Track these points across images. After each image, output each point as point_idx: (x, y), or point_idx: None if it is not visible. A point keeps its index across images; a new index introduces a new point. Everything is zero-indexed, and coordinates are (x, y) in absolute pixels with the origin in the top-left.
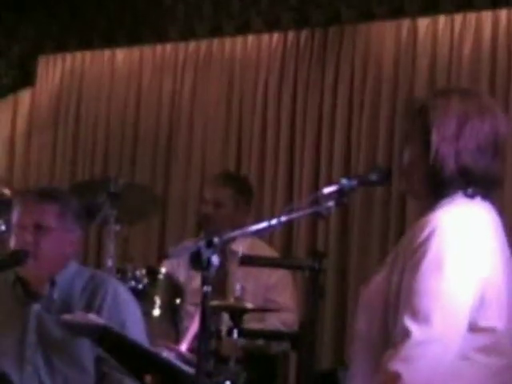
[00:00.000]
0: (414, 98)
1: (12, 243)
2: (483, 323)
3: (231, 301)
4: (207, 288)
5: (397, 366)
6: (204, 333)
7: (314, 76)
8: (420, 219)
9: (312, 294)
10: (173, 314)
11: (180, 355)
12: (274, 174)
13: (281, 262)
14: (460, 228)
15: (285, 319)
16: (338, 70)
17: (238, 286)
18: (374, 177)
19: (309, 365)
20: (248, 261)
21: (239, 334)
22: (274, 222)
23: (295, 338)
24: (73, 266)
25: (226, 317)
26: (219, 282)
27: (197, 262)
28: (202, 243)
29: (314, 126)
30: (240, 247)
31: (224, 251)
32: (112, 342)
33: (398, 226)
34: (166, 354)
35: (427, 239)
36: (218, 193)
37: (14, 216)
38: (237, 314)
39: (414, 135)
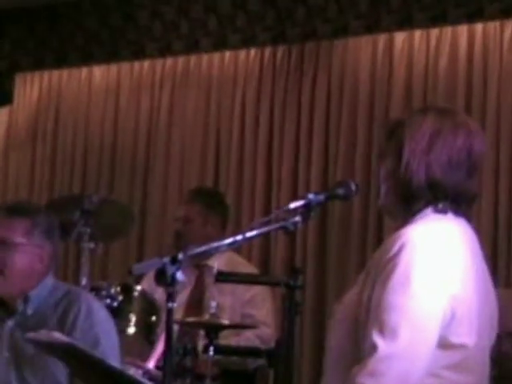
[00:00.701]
0: (391, 118)
1: None
2: (454, 340)
3: (206, 317)
4: (172, 304)
5: (363, 379)
6: (169, 350)
7: (291, 91)
8: (392, 235)
9: (288, 311)
10: (148, 332)
11: (147, 372)
12: (252, 188)
13: (256, 279)
14: (430, 244)
15: (261, 334)
16: (314, 85)
17: (213, 303)
18: (340, 191)
19: (286, 381)
20: (224, 277)
21: (215, 351)
22: (239, 237)
23: (272, 354)
24: (48, 282)
25: (202, 334)
26: (196, 299)
27: (161, 278)
28: (166, 259)
29: (291, 141)
30: (216, 263)
31: (200, 268)
32: (77, 360)
33: (375, 243)
34: (132, 371)
35: (397, 254)
36: (188, 209)
37: None
38: (212, 330)
39: (388, 152)
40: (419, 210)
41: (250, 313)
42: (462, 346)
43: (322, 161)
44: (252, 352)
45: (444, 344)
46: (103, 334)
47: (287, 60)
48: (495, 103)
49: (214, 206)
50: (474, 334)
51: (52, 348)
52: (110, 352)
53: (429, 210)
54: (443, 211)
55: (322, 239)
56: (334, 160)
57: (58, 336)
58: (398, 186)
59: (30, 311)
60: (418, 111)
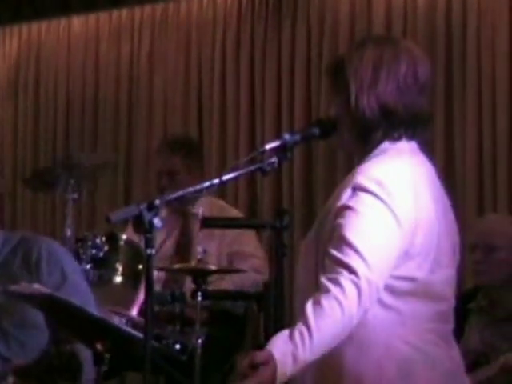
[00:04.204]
0: (335, 56)
1: None
2: (402, 272)
3: (193, 263)
4: (150, 251)
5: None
6: (149, 296)
7: (271, 32)
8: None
9: (276, 252)
10: (136, 280)
11: (130, 320)
12: (236, 129)
13: (242, 222)
14: (388, 181)
15: (255, 265)
16: (294, 25)
17: (200, 249)
18: (316, 131)
19: (278, 322)
20: (210, 223)
21: (203, 297)
22: (216, 180)
23: (261, 297)
24: (1, 233)
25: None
26: (183, 246)
27: (139, 224)
28: (143, 206)
29: (273, 83)
30: (200, 210)
31: (185, 215)
32: (59, 311)
33: None
34: (116, 319)
35: (355, 196)
36: (170, 162)
37: None
38: (200, 276)
39: (336, 90)
40: (377, 144)
41: (237, 250)
42: (410, 279)
43: (305, 99)
44: (240, 296)
45: (393, 275)
46: (68, 268)
47: (265, 4)
48: (475, 39)
49: (193, 155)
50: (425, 268)
51: (32, 300)
52: (80, 286)
53: (386, 144)
54: (398, 139)
55: (307, 180)
56: (316, 97)
57: (38, 287)
58: (352, 122)
59: None
60: (356, 45)
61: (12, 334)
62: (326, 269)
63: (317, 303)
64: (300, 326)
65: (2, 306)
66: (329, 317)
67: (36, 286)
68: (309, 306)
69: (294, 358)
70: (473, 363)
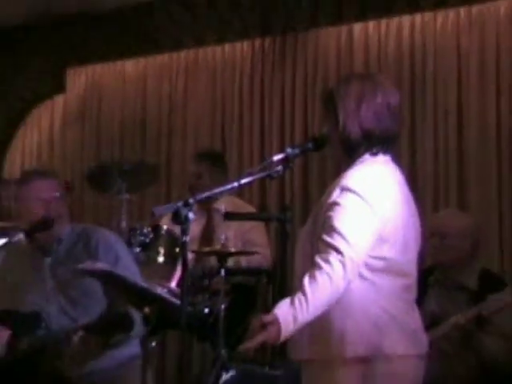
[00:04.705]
0: (326, 89)
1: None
2: (377, 253)
3: (218, 247)
4: (185, 238)
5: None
6: (185, 273)
7: (277, 71)
8: (338, 177)
9: (281, 240)
10: (174, 260)
11: (170, 291)
12: (250, 146)
13: (255, 216)
14: (367, 183)
15: (264, 255)
16: (295, 65)
17: (222, 236)
18: (311, 145)
19: (281, 294)
20: (230, 217)
21: (226, 273)
22: (235, 183)
23: (270, 274)
24: (68, 225)
25: (213, 259)
26: (207, 234)
27: (177, 217)
28: (180, 203)
29: (278, 109)
30: (222, 206)
31: (209, 210)
32: (116, 282)
33: None
34: (159, 289)
35: (342, 194)
36: (197, 167)
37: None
38: (223, 256)
39: (327, 116)
40: (359, 156)
41: (250, 238)
42: (382, 258)
43: (303, 125)
44: (254, 272)
45: (370, 255)
46: (120, 251)
47: (273, 49)
48: (432, 74)
49: (216, 165)
50: (397, 251)
51: (96, 274)
52: (130, 264)
53: (366, 156)
54: (376, 153)
55: (305, 183)
56: (312, 124)
57: (100, 265)
58: (340, 141)
59: (61, 250)
60: (342, 80)
61: (78, 300)
62: (320, 250)
63: (312, 277)
64: (299, 295)
65: (70, 280)
66: (321, 287)
67: (99, 264)
68: (306, 279)
69: (295, 319)
70: (431, 324)
